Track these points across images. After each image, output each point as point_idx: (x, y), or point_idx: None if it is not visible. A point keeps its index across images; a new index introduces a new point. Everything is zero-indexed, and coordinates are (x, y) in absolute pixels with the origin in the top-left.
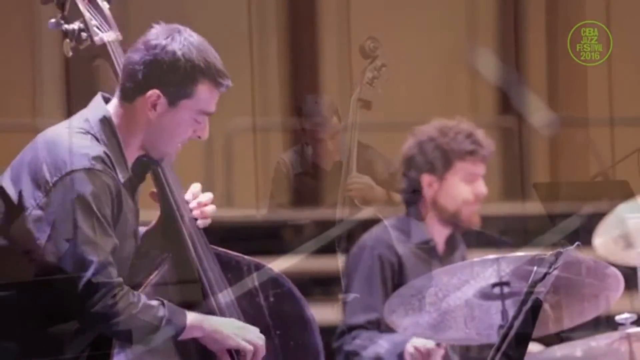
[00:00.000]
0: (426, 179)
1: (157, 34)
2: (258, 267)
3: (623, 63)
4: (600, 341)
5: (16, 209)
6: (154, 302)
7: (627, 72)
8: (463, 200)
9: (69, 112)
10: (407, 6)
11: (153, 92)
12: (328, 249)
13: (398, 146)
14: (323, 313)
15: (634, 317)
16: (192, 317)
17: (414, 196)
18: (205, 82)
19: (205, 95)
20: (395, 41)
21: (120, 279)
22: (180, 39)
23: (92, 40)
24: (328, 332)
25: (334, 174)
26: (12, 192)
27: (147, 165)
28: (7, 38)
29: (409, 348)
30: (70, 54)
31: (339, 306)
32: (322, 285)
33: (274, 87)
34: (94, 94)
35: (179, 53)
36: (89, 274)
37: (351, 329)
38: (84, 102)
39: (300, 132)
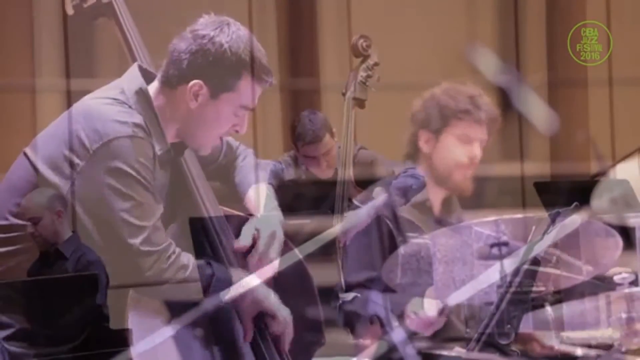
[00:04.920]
0: (423, 135)
1: (206, 24)
2: None
3: (623, 63)
4: (598, 301)
5: (48, 178)
6: (202, 262)
7: (627, 72)
8: (456, 162)
9: (68, 73)
10: (407, 4)
11: (196, 82)
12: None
13: (394, 143)
14: (321, 272)
15: (632, 276)
16: (236, 274)
17: (412, 154)
18: (248, 77)
19: (247, 90)
20: (394, 40)
21: (170, 241)
22: (228, 32)
23: None
24: (325, 291)
25: (327, 179)
26: (42, 163)
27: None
28: None
29: (409, 312)
30: (72, 11)
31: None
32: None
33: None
34: (92, 54)
35: (226, 45)
36: (139, 240)
37: (350, 287)
38: (82, 62)
39: (295, 149)
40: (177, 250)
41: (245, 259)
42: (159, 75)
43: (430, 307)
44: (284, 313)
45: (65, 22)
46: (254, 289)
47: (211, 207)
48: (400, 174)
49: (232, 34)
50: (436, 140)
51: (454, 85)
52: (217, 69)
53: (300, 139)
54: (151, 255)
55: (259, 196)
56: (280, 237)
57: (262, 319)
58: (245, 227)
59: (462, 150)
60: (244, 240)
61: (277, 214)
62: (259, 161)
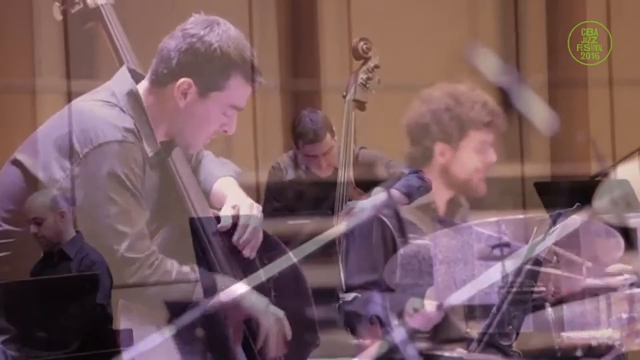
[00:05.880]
0: (439, 147)
1: (196, 23)
2: None
3: (623, 63)
4: (599, 302)
5: (39, 181)
6: (186, 268)
7: (627, 72)
8: (475, 169)
9: (68, 73)
10: (408, 5)
11: (185, 81)
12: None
13: (395, 144)
14: (321, 273)
15: (634, 278)
16: (221, 281)
17: (421, 162)
18: (238, 77)
19: (236, 89)
20: (395, 41)
21: (154, 249)
22: (218, 31)
23: (85, 4)
24: (326, 291)
25: (327, 179)
26: (34, 167)
27: (172, 143)
28: None
29: (408, 309)
30: (60, 17)
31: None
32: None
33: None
34: (92, 55)
35: (216, 45)
36: (123, 247)
37: (351, 289)
38: (83, 63)
39: (295, 147)
40: (160, 256)
41: (232, 253)
42: (148, 74)
43: (429, 304)
44: (270, 318)
45: (65, 22)
46: (239, 296)
47: (200, 210)
48: (405, 175)
49: (222, 33)
50: (454, 151)
51: (457, 88)
52: (207, 68)
53: (302, 138)
54: (134, 262)
55: (227, 186)
56: (258, 209)
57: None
58: (223, 209)
59: (480, 158)
60: (225, 220)
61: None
62: (220, 159)
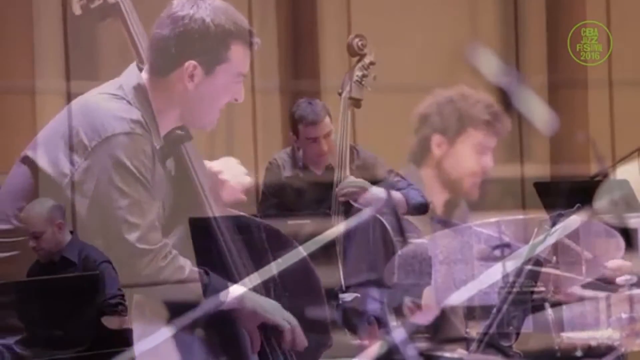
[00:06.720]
0: (436, 138)
1: (181, 5)
2: (268, 229)
3: (623, 63)
4: (599, 303)
5: (49, 177)
6: (199, 270)
7: (627, 72)
8: (468, 170)
9: (68, 74)
10: (408, 5)
11: (189, 64)
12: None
13: (396, 143)
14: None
15: (634, 279)
16: (234, 288)
17: (420, 155)
18: (237, 43)
19: (239, 57)
20: (395, 41)
21: (166, 241)
22: (205, 6)
23: None
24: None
25: (325, 177)
26: (43, 162)
27: (179, 138)
28: None
29: (407, 302)
30: (80, 12)
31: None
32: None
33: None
34: (93, 56)
35: (208, 20)
36: (135, 238)
37: (349, 288)
38: (83, 64)
39: (293, 137)
40: (174, 251)
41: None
42: (146, 67)
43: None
44: (288, 322)
45: (65, 23)
46: (251, 301)
47: (216, 207)
48: (403, 183)
49: (209, 6)
50: (450, 145)
51: (470, 91)
52: (206, 45)
53: (302, 120)
54: (147, 254)
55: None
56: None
57: (269, 328)
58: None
59: (475, 160)
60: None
61: None
62: None
